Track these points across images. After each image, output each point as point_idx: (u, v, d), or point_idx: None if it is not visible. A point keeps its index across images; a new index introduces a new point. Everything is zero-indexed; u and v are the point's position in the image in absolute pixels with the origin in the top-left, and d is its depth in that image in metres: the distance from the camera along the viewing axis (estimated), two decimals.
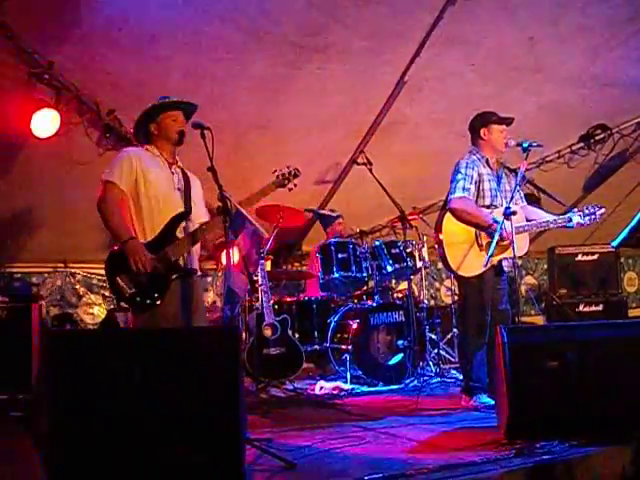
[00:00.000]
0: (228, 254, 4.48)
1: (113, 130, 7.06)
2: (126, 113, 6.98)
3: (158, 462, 3.26)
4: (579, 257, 9.37)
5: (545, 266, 10.69)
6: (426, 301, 8.35)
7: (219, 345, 3.53)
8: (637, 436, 3.92)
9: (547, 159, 9.04)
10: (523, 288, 6.10)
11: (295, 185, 5.04)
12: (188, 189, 4.84)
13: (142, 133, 4.91)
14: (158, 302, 4.54)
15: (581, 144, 9.22)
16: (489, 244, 5.32)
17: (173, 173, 4.85)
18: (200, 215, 4.84)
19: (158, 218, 4.67)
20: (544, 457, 3.71)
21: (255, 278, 7.06)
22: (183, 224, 4.73)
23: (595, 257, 9.33)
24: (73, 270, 9.06)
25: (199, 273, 4.93)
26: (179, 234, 4.69)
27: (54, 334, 4.30)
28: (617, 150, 9.32)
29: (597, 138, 9.12)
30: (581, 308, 9.08)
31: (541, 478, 3.61)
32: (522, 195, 5.86)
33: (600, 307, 9.07)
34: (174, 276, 4.64)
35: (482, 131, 5.70)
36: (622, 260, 9.96)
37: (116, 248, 4.59)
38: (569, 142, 9.20)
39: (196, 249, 4.83)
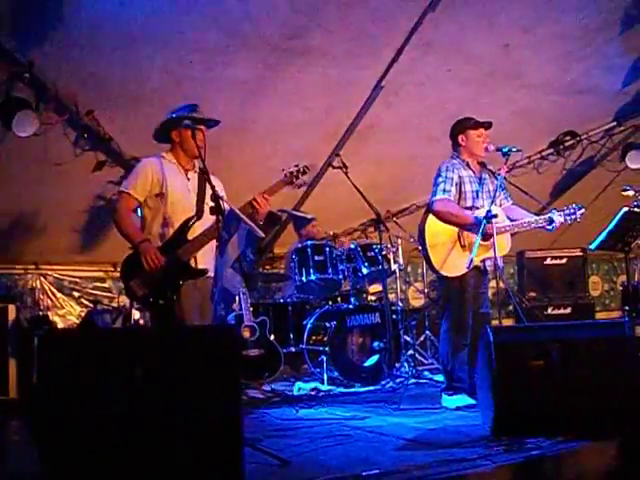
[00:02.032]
0: (221, 253, 4.55)
1: (91, 131, 7.03)
2: (105, 113, 6.99)
3: (157, 461, 3.26)
4: (548, 261, 9.51)
5: (512, 270, 10.85)
6: (400, 303, 8.42)
7: (218, 344, 3.55)
8: (621, 432, 4.03)
9: (517, 164, 9.15)
10: (490, 292, 6.16)
11: (305, 182, 5.23)
12: (202, 192, 4.98)
13: (163, 134, 5.06)
14: (171, 302, 4.73)
15: (550, 150, 9.40)
16: (472, 244, 5.42)
17: (189, 179, 5.02)
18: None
19: (175, 222, 4.88)
20: (533, 452, 3.80)
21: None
22: (195, 227, 4.89)
23: (564, 261, 9.48)
24: (44, 272, 8.97)
25: (211, 274, 5.02)
26: (190, 237, 4.85)
27: (53, 334, 4.28)
28: (585, 156, 9.52)
29: (566, 144, 9.30)
30: (549, 311, 9.21)
31: (531, 473, 3.70)
32: (507, 195, 5.95)
33: (568, 310, 9.21)
34: (185, 277, 4.80)
35: (459, 137, 5.80)
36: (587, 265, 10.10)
37: (130, 253, 4.83)
38: (539, 148, 9.37)
39: (210, 249, 4.96)
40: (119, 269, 5.02)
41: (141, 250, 4.72)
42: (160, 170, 4.94)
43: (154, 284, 4.72)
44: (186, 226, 4.85)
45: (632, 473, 3.94)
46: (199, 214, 4.91)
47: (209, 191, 4.88)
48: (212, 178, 4.91)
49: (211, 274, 4.99)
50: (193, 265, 4.86)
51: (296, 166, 5.08)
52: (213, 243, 4.92)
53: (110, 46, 6.31)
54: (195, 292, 4.84)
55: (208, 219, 4.85)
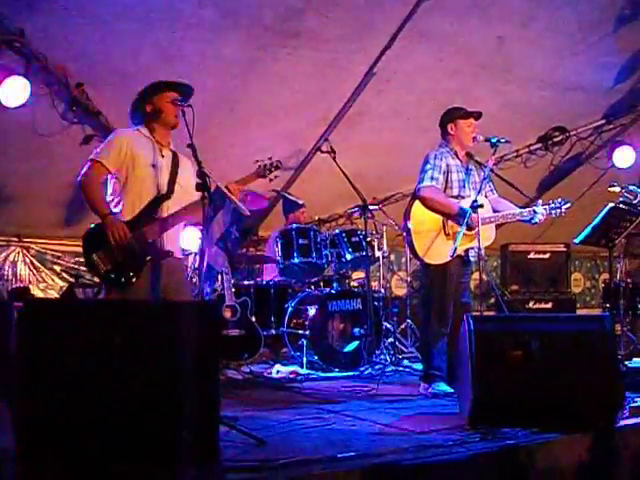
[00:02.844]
0: (207, 231, 4.51)
1: (80, 103, 6.99)
2: (94, 87, 6.95)
3: (133, 436, 3.25)
4: (531, 255, 9.59)
5: (495, 263, 10.89)
6: (383, 291, 8.43)
7: (197, 320, 3.54)
8: (596, 425, 4.06)
9: (505, 158, 9.20)
10: (472, 284, 6.20)
11: (276, 177, 5.16)
12: (175, 171, 4.88)
13: (138, 114, 4.93)
14: (133, 281, 4.59)
15: (539, 145, 9.44)
16: (456, 233, 5.43)
17: (163, 156, 4.88)
18: (188, 196, 4.82)
19: (145, 200, 4.74)
20: (508, 442, 3.82)
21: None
22: (165, 206, 4.78)
23: (547, 256, 9.55)
24: (27, 245, 8.92)
25: (180, 255, 4.98)
26: (158, 215, 4.74)
27: (33, 303, 4.25)
28: (573, 153, 9.56)
29: (555, 140, 9.36)
30: (531, 305, 9.29)
31: (505, 462, 3.71)
32: (493, 187, 5.97)
33: (549, 305, 9.29)
34: (149, 257, 4.68)
35: (449, 126, 5.80)
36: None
37: (93, 225, 4.67)
38: (528, 142, 9.41)
39: (176, 231, 4.89)
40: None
41: (108, 223, 4.57)
42: (134, 143, 4.78)
43: (118, 261, 4.58)
44: (156, 204, 4.73)
45: (604, 467, 3.98)
46: (169, 193, 4.79)
47: (182, 172, 4.89)
48: (180, 159, 4.91)
49: (178, 256, 4.92)
50: (159, 246, 4.73)
51: (270, 159, 5.06)
52: (180, 225, 4.88)
53: (102, 20, 6.28)
54: (157, 274, 4.71)
55: (178, 199, 4.78)
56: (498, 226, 5.87)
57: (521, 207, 5.94)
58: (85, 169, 4.76)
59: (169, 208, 4.78)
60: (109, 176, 4.78)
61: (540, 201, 5.78)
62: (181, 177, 4.89)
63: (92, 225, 4.70)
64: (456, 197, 5.65)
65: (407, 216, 5.69)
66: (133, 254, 4.60)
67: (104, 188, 4.80)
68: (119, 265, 4.59)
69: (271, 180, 5.14)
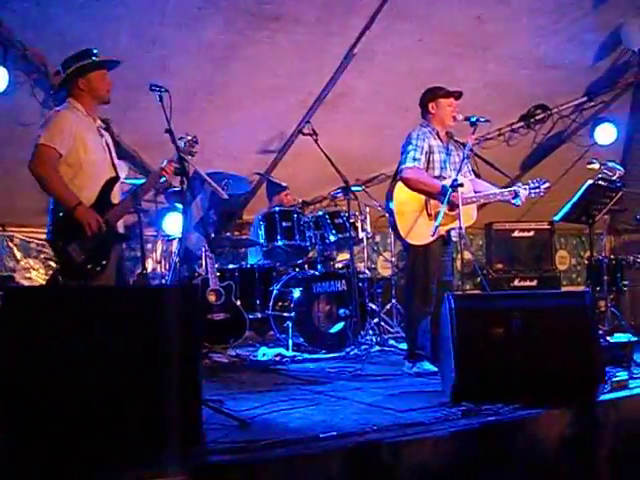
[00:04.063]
0: (185, 214, 4.52)
1: (56, 93, 6.94)
2: None
3: (116, 421, 3.26)
4: (515, 233, 9.63)
5: (481, 242, 10.92)
6: (367, 271, 8.46)
7: (179, 304, 3.55)
8: (576, 400, 4.11)
9: (488, 136, 9.20)
10: (458, 263, 6.22)
11: (196, 152, 5.16)
12: (109, 150, 4.87)
13: (69, 87, 4.84)
14: (105, 268, 4.61)
15: (521, 123, 9.45)
16: (438, 213, 5.46)
17: (102, 135, 4.85)
18: (123, 174, 4.87)
19: (97, 183, 4.71)
20: (490, 418, 3.86)
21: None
22: (116, 188, 4.78)
23: (531, 234, 9.60)
24: (11, 233, 8.87)
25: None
26: (113, 200, 4.73)
27: (15, 291, 4.24)
28: (555, 130, 9.59)
29: (537, 118, 9.36)
30: (516, 283, 9.33)
31: (487, 438, 3.74)
32: (470, 169, 5.99)
33: (534, 282, 9.34)
34: (113, 242, 4.71)
35: (430, 105, 5.82)
36: (555, 238, 10.23)
37: (61, 214, 4.58)
38: (510, 121, 9.40)
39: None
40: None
41: (80, 214, 4.48)
42: (79, 123, 4.70)
43: (91, 250, 4.54)
44: (109, 187, 4.71)
45: (586, 441, 4.02)
46: (117, 175, 4.78)
47: (112, 149, 4.90)
48: (104, 132, 4.92)
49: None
50: (117, 230, 4.77)
51: (187, 134, 5.09)
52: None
53: (79, 5, 6.22)
54: (120, 257, 4.81)
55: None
56: (480, 207, 5.89)
57: (503, 187, 5.97)
58: (37, 155, 4.58)
59: (118, 190, 4.80)
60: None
61: (520, 183, 5.81)
62: (114, 155, 4.90)
63: (60, 214, 4.59)
64: (438, 177, 5.67)
65: (389, 197, 5.70)
66: (103, 241, 4.60)
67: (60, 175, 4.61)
68: (93, 254, 4.57)
69: (192, 156, 5.11)
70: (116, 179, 4.80)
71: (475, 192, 5.75)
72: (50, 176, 4.54)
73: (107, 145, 4.89)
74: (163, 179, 4.90)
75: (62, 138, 4.58)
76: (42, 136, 4.58)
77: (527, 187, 5.71)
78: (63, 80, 4.84)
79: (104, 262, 4.61)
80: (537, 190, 5.71)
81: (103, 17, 6.36)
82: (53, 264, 8.90)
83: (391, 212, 5.68)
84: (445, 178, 5.66)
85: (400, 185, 5.67)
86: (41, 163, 4.55)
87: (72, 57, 4.78)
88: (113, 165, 4.85)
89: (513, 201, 5.69)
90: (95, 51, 4.90)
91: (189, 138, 5.08)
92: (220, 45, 7.02)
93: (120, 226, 4.84)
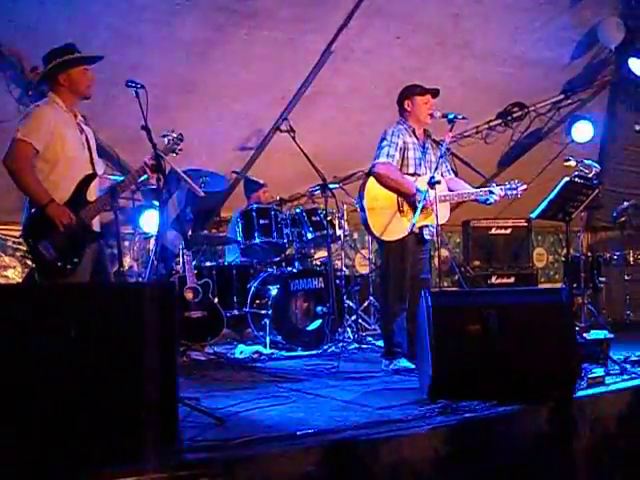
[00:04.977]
0: (162, 212, 4.49)
1: (36, 87, 6.89)
2: None
3: (92, 419, 3.24)
4: (493, 230, 9.67)
5: (458, 239, 10.95)
6: (345, 269, 8.45)
7: (155, 302, 3.52)
8: (553, 396, 4.12)
9: (465, 134, 9.23)
10: (435, 261, 6.25)
11: (181, 150, 5.11)
12: (89, 146, 4.83)
13: (49, 81, 4.79)
14: (77, 267, 4.56)
15: (498, 121, 9.49)
16: (411, 210, 5.46)
17: (82, 131, 4.80)
18: (101, 171, 4.82)
19: (73, 180, 4.66)
20: (467, 415, 3.86)
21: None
22: (92, 185, 4.73)
23: (508, 231, 9.64)
24: None
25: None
26: (89, 197, 4.68)
27: None
28: (533, 128, 9.64)
29: (514, 115, 9.41)
30: (493, 280, 9.37)
31: (464, 435, 3.75)
32: (449, 167, 6.00)
33: (512, 279, 9.38)
34: (88, 240, 4.66)
35: (406, 102, 5.82)
36: (532, 236, 10.28)
37: (33, 211, 4.53)
38: (487, 118, 9.44)
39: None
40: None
41: (52, 211, 4.44)
42: (58, 119, 4.64)
43: (63, 248, 4.50)
44: (85, 184, 4.66)
45: (560, 437, 4.04)
46: (95, 172, 4.75)
47: (93, 145, 4.86)
48: (85, 130, 4.87)
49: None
50: (91, 228, 4.72)
51: (172, 131, 5.06)
52: None
53: (54, 3, 6.19)
54: (96, 256, 4.74)
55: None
56: (456, 206, 5.90)
57: (478, 187, 5.98)
58: (13, 151, 4.51)
59: (95, 187, 4.75)
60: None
61: (494, 183, 5.83)
62: (94, 151, 4.85)
63: (32, 212, 4.53)
64: (412, 175, 5.67)
65: (361, 193, 5.70)
66: (76, 240, 4.56)
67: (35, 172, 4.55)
68: (64, 252, 4.52)
69: (177, 154, 5.08)
70: (93, 176, 4.75)
71: (450, 191, 5.76)
72: (24, 172, 4.48)
73: (87, 141, 4.84)
74: (144, 177, 4.86)
75: (39, 134, 4.53)
76: (20, 130, 4.54)
77: (503, 188, 5.73)
78: (43, 75, 4.81)
79: (76, 260, 4.55)
80: (514, 191, 5.73)
81: (80, 14, 6.32)
82: (30, 262, 8.90)
83: (363, 208, 5.67)
84: (420, 175, 5.67)
85: (372, 181, 5.67)
86: (16, 158, 4.49)
87: (53, 52, 4.73)
88: (92, 162, 4.80)
89: (487, 201, 5.71)
90: (76, 46, 4.85)
91: (174, 135, 5.04)
92: (197, 42, 7.00)
93: (95, 224, 4.79)
